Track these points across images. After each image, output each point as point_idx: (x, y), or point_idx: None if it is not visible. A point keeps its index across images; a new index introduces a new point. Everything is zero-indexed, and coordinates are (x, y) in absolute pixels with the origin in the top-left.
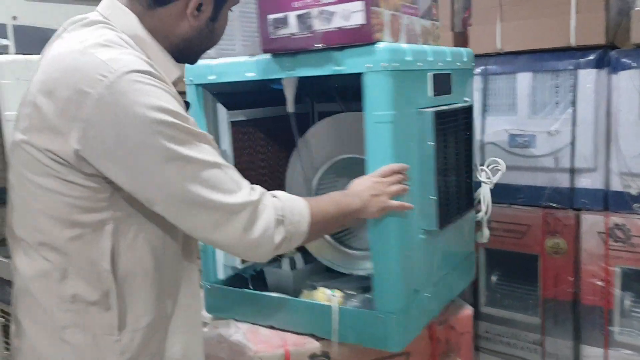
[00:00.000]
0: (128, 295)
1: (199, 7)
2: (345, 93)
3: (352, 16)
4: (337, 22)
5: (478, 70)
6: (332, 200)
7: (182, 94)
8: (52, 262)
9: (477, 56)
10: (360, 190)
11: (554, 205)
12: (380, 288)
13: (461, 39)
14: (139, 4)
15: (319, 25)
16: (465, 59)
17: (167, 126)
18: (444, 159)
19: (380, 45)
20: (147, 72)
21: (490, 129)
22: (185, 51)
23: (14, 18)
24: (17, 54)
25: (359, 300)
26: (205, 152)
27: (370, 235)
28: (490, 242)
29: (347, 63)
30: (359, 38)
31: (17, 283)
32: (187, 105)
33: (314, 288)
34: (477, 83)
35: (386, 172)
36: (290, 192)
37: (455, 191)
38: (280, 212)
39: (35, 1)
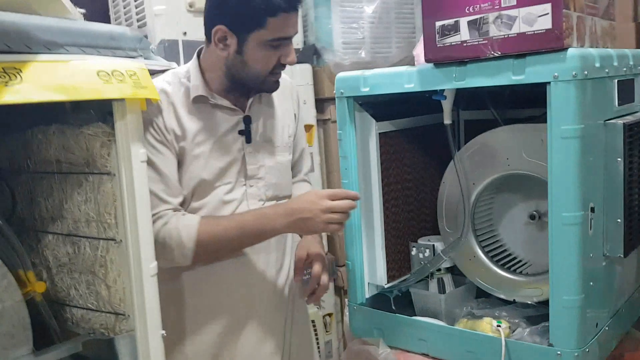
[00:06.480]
0: None
1: (224, 41)
2: (498, 99)
3: (537, 20)
4: (519, 28)
5: None
6: (238, 224)
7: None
8: None
9: None
10: (293, 209)
11: None
12: (559, 322)
13: None
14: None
15: (495, 32)
16: None
17: None
18: (630, 177)
19: (570, 52)
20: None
21: None
22: (234, 79)
23: (184, 34)
24: None
25: (527, 332)
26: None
27: (551, 263)
28: None
29: (528, 72)
30: (545, 44)
31: None
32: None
33: (473, 316)
34: None
35: (338, 195)
36: (444, 209)
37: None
38: (167, 219)
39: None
